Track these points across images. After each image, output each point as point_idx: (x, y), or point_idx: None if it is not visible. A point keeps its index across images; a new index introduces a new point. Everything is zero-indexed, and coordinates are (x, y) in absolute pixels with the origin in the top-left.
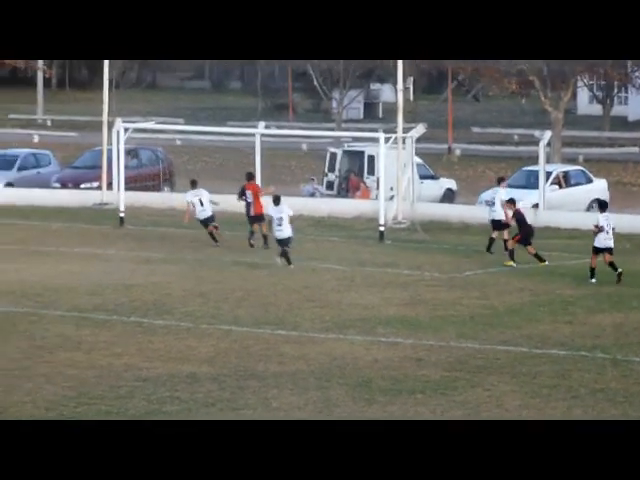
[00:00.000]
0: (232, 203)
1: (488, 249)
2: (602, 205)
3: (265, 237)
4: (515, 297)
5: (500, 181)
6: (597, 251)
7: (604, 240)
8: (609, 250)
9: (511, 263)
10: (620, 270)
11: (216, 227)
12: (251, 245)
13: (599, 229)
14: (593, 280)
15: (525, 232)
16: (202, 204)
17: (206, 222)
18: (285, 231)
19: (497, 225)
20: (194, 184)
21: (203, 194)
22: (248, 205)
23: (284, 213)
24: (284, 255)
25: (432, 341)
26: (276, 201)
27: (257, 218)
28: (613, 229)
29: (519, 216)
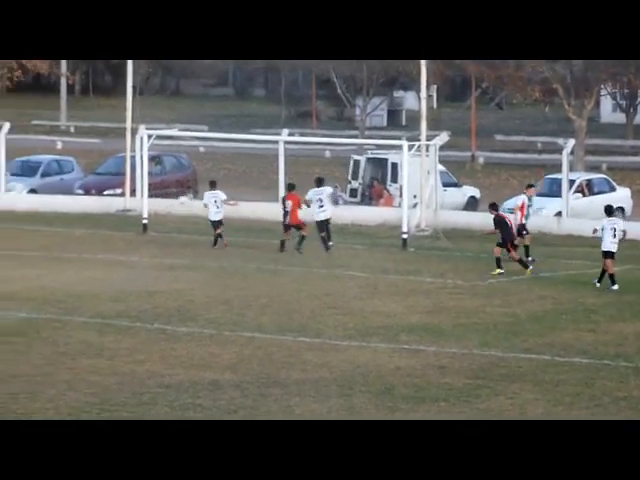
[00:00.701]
0: (254, 210)
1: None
2: (608, 210)
3: (282, 243)
4: (538, 305)
5: (528, 187)
6: (607, 255)
7: (610, 244)
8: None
9: (529, 271)
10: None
11: (220, 232)
12: (299, 252)
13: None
14: (615, 287)
15: (508, 237)
16: (218, 206)
17: (217, 224)
18: (327, 212)
19: (520, 231)
20: (213, 185)
21: (219, 196)
22: (286, 214)
23: (324, 195)
24: (322, 241)
25: (455, 349)
26: (319, 182)
27: (291, 227)
28: (623, 232)
29: (500, 221)
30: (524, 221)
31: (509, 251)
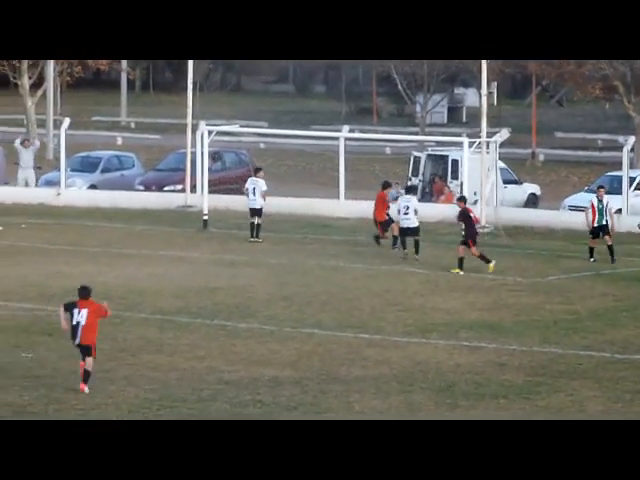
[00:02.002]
0: (314, 206)
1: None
2: None
3: (395, 238)
4: (598, 302)
5: (598, 188)
6: None
7: None
8: None
9: (457, 270)
10: None
11: (259, 224)
12: (377, 242)
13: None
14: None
15: (470, 233)
16: (254, 194)
17: (255, 213)
18: (412, 220)
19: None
20: (256, 171)
21: (258, 184)
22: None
23: (411, 203)
24: (415, 246)
25: (515, 346)
26: (408, 190)
27: (379, 224)
28: None
29: (466, 215)
30: (596, 224)
31: (469, 247)
